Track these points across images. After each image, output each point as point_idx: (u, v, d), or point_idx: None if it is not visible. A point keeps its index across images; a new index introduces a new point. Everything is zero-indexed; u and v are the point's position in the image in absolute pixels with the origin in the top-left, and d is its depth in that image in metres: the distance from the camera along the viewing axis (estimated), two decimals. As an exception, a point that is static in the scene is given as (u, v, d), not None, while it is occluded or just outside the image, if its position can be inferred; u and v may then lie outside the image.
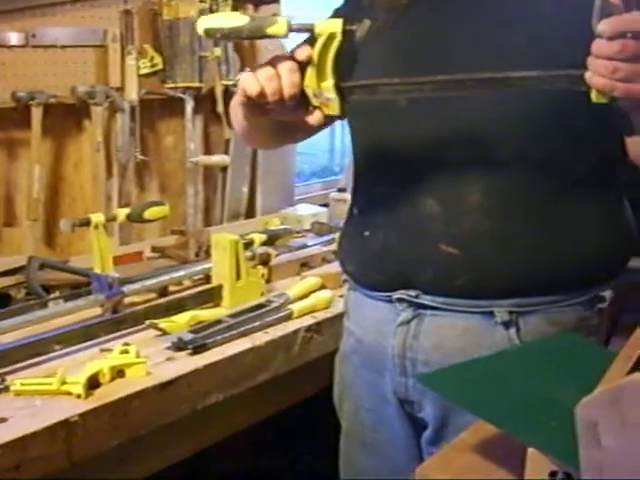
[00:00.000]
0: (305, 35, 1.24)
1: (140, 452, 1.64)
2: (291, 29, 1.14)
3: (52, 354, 1.68)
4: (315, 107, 1.18)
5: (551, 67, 1.10)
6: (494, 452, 1.00)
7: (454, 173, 1.28)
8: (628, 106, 1.09)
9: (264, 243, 2.23)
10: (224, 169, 2.98)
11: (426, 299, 1.33)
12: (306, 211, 2.92)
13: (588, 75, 1.04)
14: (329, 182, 3.60)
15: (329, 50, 1.14)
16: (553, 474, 0.86)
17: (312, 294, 2.02)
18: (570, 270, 1.29)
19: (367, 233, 1.40)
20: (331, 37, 1.13)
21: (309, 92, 1.17)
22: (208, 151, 2.95)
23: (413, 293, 1.34)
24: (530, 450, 0.87)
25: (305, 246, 2.46)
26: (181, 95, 2.72)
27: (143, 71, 2.63)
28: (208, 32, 1.17)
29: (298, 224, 2.82)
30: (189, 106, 2.73)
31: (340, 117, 1.20)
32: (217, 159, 2.88)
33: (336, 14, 1.44)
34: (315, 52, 1.14)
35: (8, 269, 2.23)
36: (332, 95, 1.16)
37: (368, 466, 1.51)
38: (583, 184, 1.29)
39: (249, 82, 1.17)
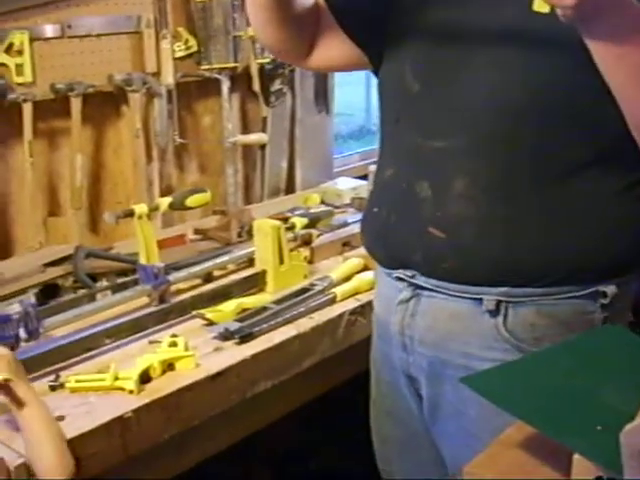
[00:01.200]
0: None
1: (192, 441, 1.68)
2: None
3: (103, 348, 1.72)
4: None
5: None
6: (539, 448, 1.01)
7: (447, 158, 1.31)
8: (570, 18, 1.05)
9: (306, 226, 2.24)
10: (262, 146, 2.99)
11: (421, 280, 1.37)
12: (346, 185, 2.93)
13: None
14: (367, 152, 3.59)
15: None
16: (599, 478, 0.87)
17: (355, 276, 2.04)
18: (564, 263, 1.28)
19: (375, 210, 1.45)
20: None
21: None
22: (246, 129, 2.96)
23: (410, 273, 1.39)
24: (575, 455, 0.89)
25: (346, 224, 2.47)
26: (217, 76, 2.73)
27: (178, 54, 2.64)
28: None
29: (338, 199, 2.83)
30: (225, 86, 2.74)
31: None
32: (255, 137, 2.89)
33: None
34: None
35: (55, 259, 2.27)
36: None
37: (393, 434, 1.57)
38: (581, 173, 1.27)
39: None
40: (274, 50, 1.58)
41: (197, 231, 2.56)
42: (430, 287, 1.36)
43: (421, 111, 1.35)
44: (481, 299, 1.31)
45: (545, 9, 1.05)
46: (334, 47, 1.52)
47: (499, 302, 1.30)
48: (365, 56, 1.50)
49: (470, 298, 1.32)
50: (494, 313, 1.30)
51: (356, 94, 6.06)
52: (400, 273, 1.41)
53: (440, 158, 1.31)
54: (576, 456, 0.89)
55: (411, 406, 1.48)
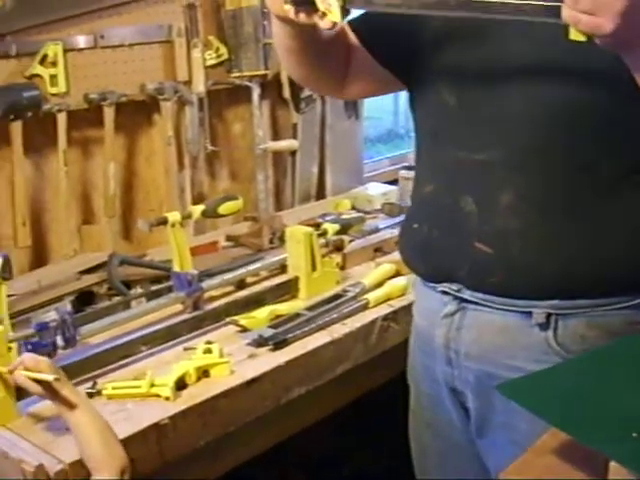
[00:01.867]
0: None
1: (227, 446, 1.69)
2: None
3: (139, 355, 1.75)
4: (323, 13, 1.22)
5: None
6: (573, 455, 1.02)
7: (491, 172, 1.30)
8: (611, 46, 1.04)
9: (337, 232, 2.25)
10: (293, 153, 3.01)
11: (466, 294, 1.37)
12: (376, 190, 2.93)
13: (562, 7, 1.02)
14: (397, 157, 3.60)
15: None
16: (636, 486, 0.88)
17: (387, 282, 2.05)
18: (614, 273, 1.27)
19: (416, 225, 1.45)
20: None
21: None
22: (276, 136, 2.98)
23: (455, 287, 1.38)
24: (612, 463, 0.89)
25: (377, 229, 2.48)
26: (247, 83, 2.74)
27: (209, 62, 2.66)
28: None
29: (369, 204, 2.84)
30: (256, 94, 2.76)
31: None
32: (285, 144, 2.91)
33: None
34: None
35: (90, 266, 2.30)
36: (332, 0, 1.20)
37: (433, 445, 1.57)
38: (628, 184, 1.26)
39: None
40: (310, 87, 1.60)
41: (229, 238, 2.58)
42: (476, 301, 1.36)
43: (459, 125, 1.35)
44: (530, 312, 1.30)
45: (581, 38, 1.02)
46: (368, 76, 1.52)
47: (549, 315, 1.29)
48: (398, 79, 1.50)
49: (518, 311, 1.31)
50: (544, 326, 1.30)
51: (384, 97, 6.05)
52: (445, 287, 1.40)
53: (482, 172, 1.31)
54: (613, 463, 0.89)
55: (453, 418, 1.48)
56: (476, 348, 1.37)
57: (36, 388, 1.39)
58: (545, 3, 1.05)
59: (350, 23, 1.47)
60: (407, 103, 1.51)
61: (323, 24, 1.22)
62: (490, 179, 1.30)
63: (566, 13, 1.01)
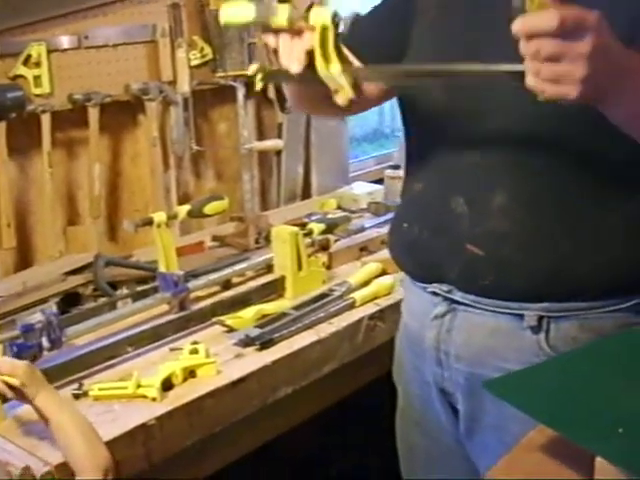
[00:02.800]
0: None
1: (214, 447, 1.69)
2: (292, 21, 1.17)
3: (125, 356, 1.74)
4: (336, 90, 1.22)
5: None
6: (561, 452, 1.02)
7: (483, 174, 1.29)
8: (581, 103, 1.00)
9: (323, 232, 2.25)
10: (278, 152, 3.01)
11: (458, 295, 1.35)
12: (362, 190, 2.94)
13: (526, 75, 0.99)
14: (382, 156, 3.60)
15: (327, 39, 1.17)
16: (622, 482, 0.88)
17: (373, 280, 2.05)
18: (605, 275, 1.26)
19: (405, 225, 1.44)
20: (325, 28, 1.16)
21: (323, 76, 1.19)
22: (261, 135, 2.98)
23: (446, 288, 1.37)
24: (598, 459, 0.89)
25: (363, 229, 2.48)
26: (232, 83, 2.74)
27: (194, 62, 2.66)
28: (226, 24, 1.27)
29: (354, 203, 2.84)
30: (240, 93, 2.76)
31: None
32: (271, 144, 2.91)
33: None
34: (315, 42, 1.17)
35: (75, 268, 2.29)
36: (342, 80, 1.19)
37: (421, 445, 1.56)
38: (621, 186, 1.25)
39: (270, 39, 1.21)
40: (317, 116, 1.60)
41: (215, 238, 2.58)
42: (467, 302, 1.35)
43: (451, 125, 1.33)
44: (522, 315, 1.29)
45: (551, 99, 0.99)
46: (368, 92, 1.48)
47: (541, 317, 1.28)
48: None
49: (510, 314, 1.30)
50: (536, 329, 1.29)
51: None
52: (435, 287, 1.39)
53: (475, 173, 1.29)
54: (598, 459, 0.89)
55: (442, 419, 1.47)
56: (467, 350, 1.36)
57: (11, 392, 1.38)
58: (510, 69, 1.02)
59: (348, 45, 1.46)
60: (396, 102, 1.49)
61: (338, 100, 1.21)
62: (482, 180, 1.29)
63: (530, 82, 0.98)
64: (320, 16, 1.17)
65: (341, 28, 1.20)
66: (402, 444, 1.64)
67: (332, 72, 1.19)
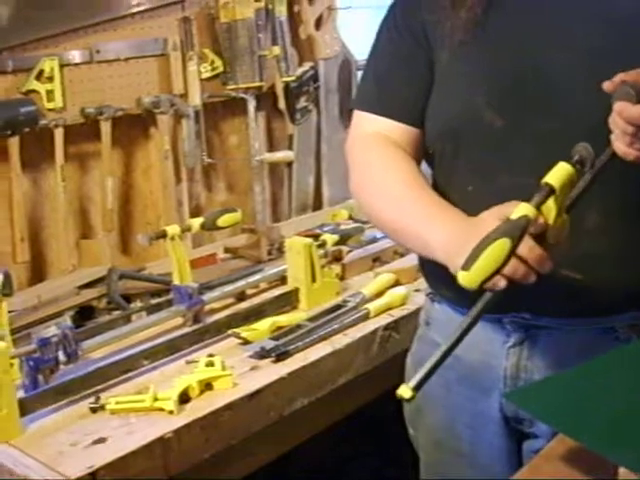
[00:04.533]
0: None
1: (231, 459, 1.69)
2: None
3: (141, 369, 1.74)
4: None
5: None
6: (582, 462, 1.02)
7: None
8: None
9: (336, 243, 2.26)
10: (289, 164, 3.01)
11: (542, 321, 1.30)
12: (372, 200, 2.93)
13: (612, 138, 1.04)
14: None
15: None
16: (646, 491, 0.88)
17: (387, 291, 2.05)
18: None
19: None
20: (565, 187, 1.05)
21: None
22: (272, 147, 2.99)
23: (528, 316, 1.31)
24: (621, 469, 0.89)
25: (375, 239, 2.48)
26: (243, 95, 2.75)
27: (204, 75, 2.67)
28: None
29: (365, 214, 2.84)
30: (251, 106, 2.77)
31: None
32: (282, 155, 2.92)
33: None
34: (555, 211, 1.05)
35: (89, 281, 2.30)
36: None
37: (469, 476, 1.49)
38: None
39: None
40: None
41: (227, 250, 2.58)
42: (552, 326, 1.30)
43: (513, 147, 1.26)
44: (613, 327, 1.27)
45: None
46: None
47: (632, 326, 1.27)
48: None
49: (600, 328, 1.28)
50: (627, 338, 1.27)
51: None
52: (514, 317, 1.31)
53: None
54: (622, 470, 0.89)
55: (494, 450, 1.41)
56: (555, 372, 1.30)
57: None
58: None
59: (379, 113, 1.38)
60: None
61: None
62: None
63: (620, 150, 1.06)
64: (563, 174, 1.04)
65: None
66: (440, 477, 1.56)
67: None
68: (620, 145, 1.06)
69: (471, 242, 1.02)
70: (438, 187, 1.37)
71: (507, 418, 1.38)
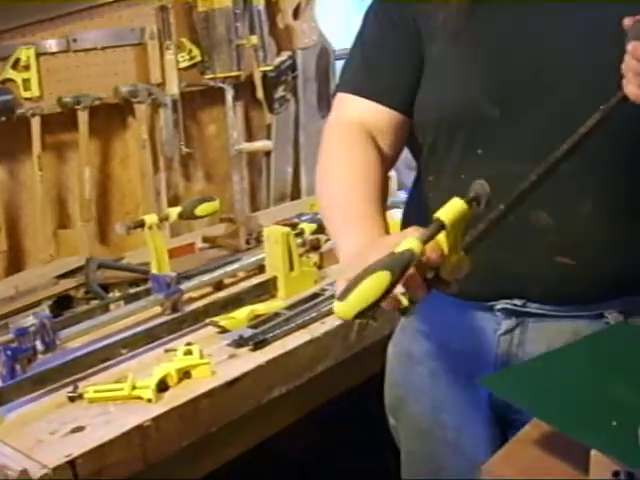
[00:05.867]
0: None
1: (210, 447, 1.69)
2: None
3: (119, 358, 1.74)
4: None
5: None
6: (556, 445, 1.03)
7: (565, 184, 1.22)
8: None
9: (314, 232, 2.26)
10: (267, 153, 3.02)
11: (533, 307, 1.30)
12: (351, 189, 2.94)
13: (624, 82, 1.03)
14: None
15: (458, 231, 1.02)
16: (616, 474, 0.90)
17: (364, 280, 2.05)
18: None
19: None
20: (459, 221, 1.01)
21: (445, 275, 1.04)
22: (250, 136, 2.99)
23: (519, 302, 1.31)
24: (593, 451, 0.91)
25: (353, 228, 2.49)
26: (221, 85, 2.76)
27: (182, 64, 2.67)
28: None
29: (344, 203, 2.84)
30: (229, 95, 2.77)
31: None
32: (260, 145, 2.92)
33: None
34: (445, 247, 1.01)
35: (67, 271, 2.29)
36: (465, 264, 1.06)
37: (454, 464, 1.48)
38: None
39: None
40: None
41: (205, 239, 2.58)
42: (543, 313, 1.29)
43: (510, 137, 1.25)
44: (602, 314, 1.27)
45: None
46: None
47: (620, 313, 1.26)
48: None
49: (589, 315, 1.28)
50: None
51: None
52: (505, 304, 1.31)
53: (554, 184, 1.16)
54: (593, 452, 0.91)
55: (480, 436, 1.41)
56: None
57: None
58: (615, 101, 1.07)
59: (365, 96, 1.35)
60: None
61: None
62: (566, 189, 1.23)
63: (632, 92, 1.04)
64: (455, 209, 1.00)
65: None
66: (424, 466, 1.55)
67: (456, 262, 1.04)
68: (632, 88, 1.04)
69: (360, 264, 0.98)
70: (429, 175, 1.36)
71: (495, 406, 1.37)
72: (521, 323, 1.32)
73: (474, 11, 1.27)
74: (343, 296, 0.95)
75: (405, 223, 1.48)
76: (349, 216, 1.22)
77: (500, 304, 1.32)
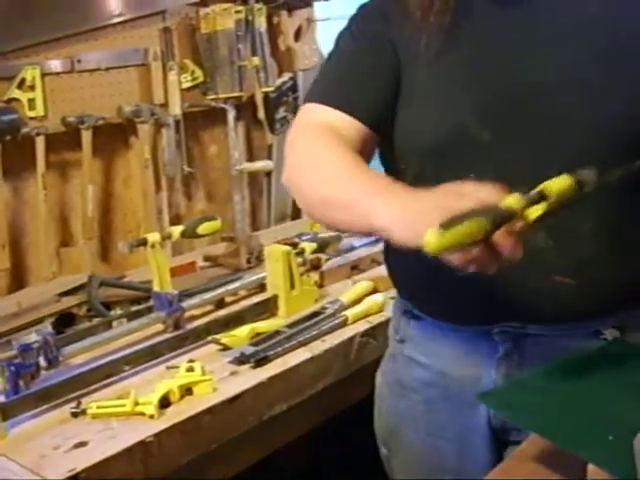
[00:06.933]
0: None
1: (211, 463, 1.70)
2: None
3: (122, 374, 1.76)
4: None
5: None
6: (554, 462, 1.04)
7: None
8: None
9: (314, 251, 2.28)
10: (268, 173, 3.05)
11: (532, 328, 1.28)
12: (351, 209, 2.96)
13: None
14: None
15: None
16: (613, 487, 0.91)
17: (365, 298, 2.08)
18: None
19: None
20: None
21: None
22: (251, 156, 3.02)
23: (517, 324, 1.29)
24: (590, 466, 0.92)
25: (353, 248, 2.52)
26: (223, 105, 2.79)
27: (185, 85, 2.71)
28: None
29: (344, 223, 2.86)
30: (231, 115, 2.80)
31: None
32: (261, 165, 2.95)
33: (365, 10, 1.36)
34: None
35: (70, 288, 2.31)
36: None
37: None
38: None
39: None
40: None
41: (207, 258, 2.60)
42: (540, 333, 1.28)
43: (501, 158, 1.21)
44: (597, 331, 1.26)
45: None
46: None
47: (616, 327, 1.26)
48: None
49: (585, 333, 1.27)
50: (614, 340, 1.26)
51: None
52: (503, 327, 1.29)
53: None
54: (590, 466, 0.92)
55: (479, 463, 1.38)
56: None
57: None
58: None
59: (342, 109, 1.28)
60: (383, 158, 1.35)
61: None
62: (567, 210, 1.16)
63: None
64: (562, 184, 0.99)
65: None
66: None
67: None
68: None
69: (429, 211, 0.97)
70: None
71: (494, 430, 1.35)
72: (519, 345, 1.30)
73: (453, 29, 1.24)
74: (446, 226, 0.93)
75: (389, 255, 1.46)
76: (373, 183, 1.12)
77: (497, 327, 1.30)
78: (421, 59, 1.26)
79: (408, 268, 1.36)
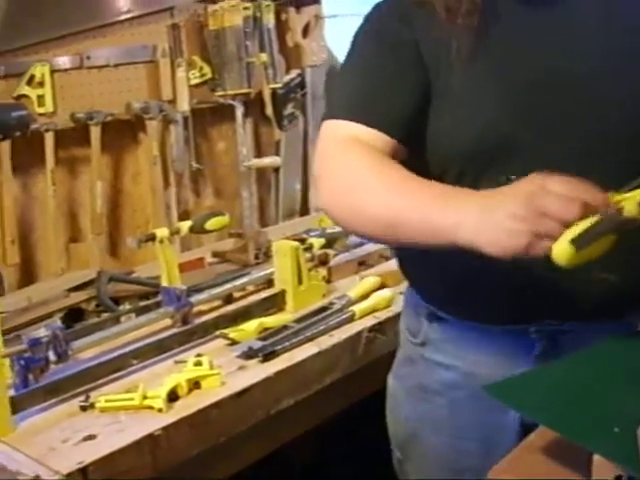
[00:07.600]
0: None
1: (219, 456, 1.71)
2: None
3: (130, 369, 1.77)
4: None
5: None
6: (561, 452, 1.05)
7: None
8: None
9: (322, 246, 2.29)
10: (276, 169, 3.05)
11: (567, 326, 1.27)
12: (358, 205, 2.96)
13: None
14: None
15: None
16: (619, 478, 0.92)
17: (372, 294, 2.08)
18: None
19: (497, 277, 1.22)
20: None
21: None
22: (259, 153, 3.03)
23: (553, 322, 1.28)
24: (595, 456, 0.93)
25: (361, 243, 2.51)
26: (231, 102, 2.79)
27: (193, 82, 2.72)
28: None
29: (351, 219, 2.87)
30: (239, 112, 2.81)
31: None
32: (269, 161, 2.96)
33: (382, 10, 1.32)
34: None
35: (79, 284, 2.32)
36: None
37: None
38: None
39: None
40: None
41: (215, 254, 2.61)
42: (576, 329, 1.27)
43: (543, 161, 1.11)
44: (630, 323, 1.25)
45: None
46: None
47: None
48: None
49: (619, 325, 1.24)
50: None
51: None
52: (540, 325, 1.28)
53: None
54: (596, 457, 0.93)
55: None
56: None
57: None
58: None
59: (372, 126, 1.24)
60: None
61: None
62: None
63: None
64: None
65: None
66: None
67: None
68: None
69: (521, 220, 0.95)
70: None
71: (526, 429, 1.29)
72: (556, 342, 1.29)
73: (482, 32, 1.21)
74: (577, 245, 0.92)
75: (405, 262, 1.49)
76: (437, 193, 1.10)
77: (534, 326, 1.29)
78: (451, 64, 1.22)
79: (431, 272, 1.35)
